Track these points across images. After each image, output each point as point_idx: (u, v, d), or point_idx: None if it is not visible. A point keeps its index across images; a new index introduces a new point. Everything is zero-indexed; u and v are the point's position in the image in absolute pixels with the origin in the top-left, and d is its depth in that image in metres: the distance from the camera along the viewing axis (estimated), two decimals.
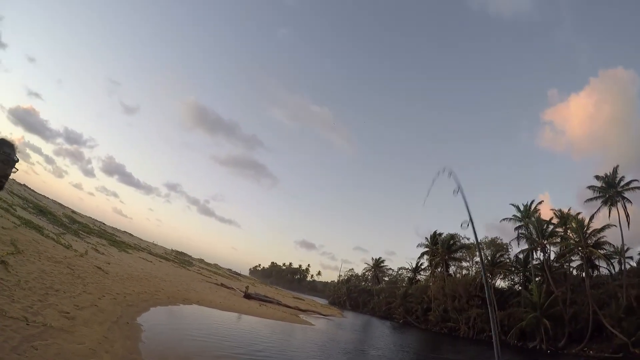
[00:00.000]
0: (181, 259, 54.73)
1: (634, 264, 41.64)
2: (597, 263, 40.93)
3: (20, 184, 35.71)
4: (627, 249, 39.96)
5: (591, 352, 34.36)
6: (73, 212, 44.65)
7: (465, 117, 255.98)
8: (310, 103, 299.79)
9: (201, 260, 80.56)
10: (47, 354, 5.47)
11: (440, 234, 59.74)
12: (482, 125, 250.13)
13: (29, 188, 37.89)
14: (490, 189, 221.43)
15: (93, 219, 55.22)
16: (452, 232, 58.77)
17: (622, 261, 39.66)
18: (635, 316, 32.62)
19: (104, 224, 56.57)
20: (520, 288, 48.38)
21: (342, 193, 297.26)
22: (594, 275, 41.88)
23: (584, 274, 40.58)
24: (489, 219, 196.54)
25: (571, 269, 44.37)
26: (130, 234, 63.14)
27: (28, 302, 7.35)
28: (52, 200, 43.42)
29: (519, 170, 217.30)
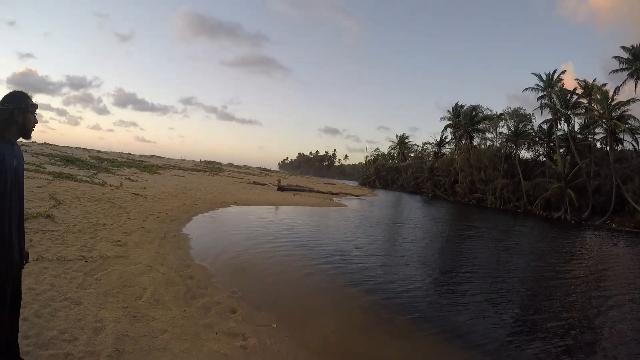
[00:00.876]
0: (211, 167, 55.93)
1: None
2: (621, 137, 39.64)
3: (40, 144, 36.23)
4: None
5: (613, 225, 34.80)
6: (98, 152, 45.49)
7: None
8: None
9: (231, 165, 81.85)
10: (111, 280, 6.13)
11: (462, 106, 58.92)
12: None
13: (50, 144, 38.46)
14: (510, 59, 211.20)
15: (119, 152, 56.28)
16: (473, 103, 57.55)
17: None
18: None
19: (130, 154, 57.59)
20: (544, 159, 48.01)
21: (358, 74, 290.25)
22: (618, 149, 40.98)
23: (607, 147, 39.65)
24: (510, 90, 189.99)
25: (595, 142, 43.23)
26: (158, 157, 64.26)
27: (81, 242, 8.04)
28: (76, 148, 44.14)
29: (540, 41, 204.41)
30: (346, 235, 15.46)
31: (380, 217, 25.63)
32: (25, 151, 23.53)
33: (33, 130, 2.90)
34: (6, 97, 2.80)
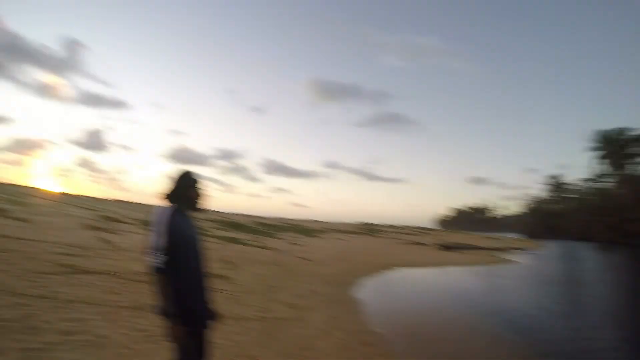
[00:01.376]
0: (369, 229, 56.37)
1: None
2: None
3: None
4: None
5: None
6: (259, 217, 48.84)
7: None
8: (415, 36, 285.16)
9: (389, 225, 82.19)
10: (289, 341, 5.90)
11: (615, 131, 51.34)
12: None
13: (214, 210, 42.40)
14: None
15: (278, 217, 59.83)
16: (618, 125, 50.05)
17: None
18: None
19: (288, 219, 60.86)
20: None
21: (488, 116, 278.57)
22: None
23: None
24: None
25: None
26: (316, 220, 67.14)
27: (256, 303, 8.04)
28: (237, 214, 47.92)
29: None
30: (525, 297, 13.65)
31: (557, 272, 22.75)
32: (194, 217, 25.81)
33: (201, 202, 3.22)
34: (178, 176, 3.16)
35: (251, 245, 18.77)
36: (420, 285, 15.65)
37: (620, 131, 48.96)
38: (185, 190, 3.13)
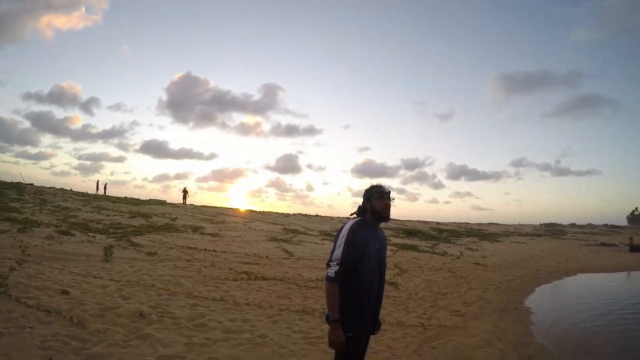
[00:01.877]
0: (552, 230, 52.07)
1: None
2: None
3: None
4: None
5: None
6: (437, 223, 48.19)
7: None
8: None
9: (573, 225, 74.59)
10: (445, 350, 6.09)
11: None
12: None
13: (394, 219, 42.97)
14: None
15: (457, 222, 58.20)
16: None
17: None
18: None
19: (468, 223, 58.81)
20: None
21: None
22: None
23: None
24: None
25: None
26: (496, 224, 63.67)
27: (421, 310, 8.38)
28: (416, 221, 47.83)
29: None
30: None
31: None
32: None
33: (385, 213, 3.26)
34: (365, 190, 3.34)
35: (424, 252, 19.00)
36: (601, 293, 14.16)
37: None
38: (369, 202, 3.25)
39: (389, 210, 3.29)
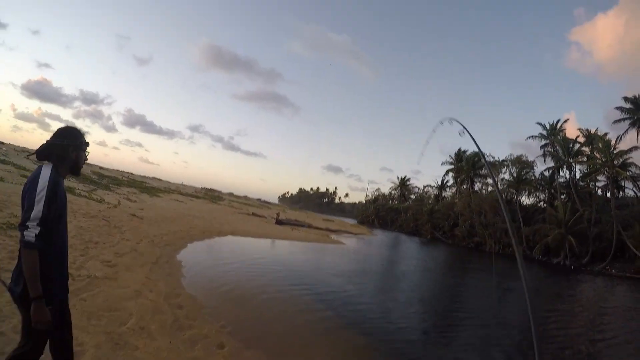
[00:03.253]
0: (211, 195, 55.72)
1: None
2: (622, 184, 40.74)
3: None
4: None
5: (613, 270, 34.79)
6: (101, 168, 45.40)
7: (489, 37, 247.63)
8: (328, 31, 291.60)
9: (231, 194, 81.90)
10: (96, 302, 5.74)
11: (464, 152, 59.30)
12: (506, 45, 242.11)
13: None
14: (516, 109, 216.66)
15: (121, 171, 56.21)
16: (476, 150, 58.05)
17: None
18: None
19: (132, 174, 57.52)
20: (545, 205, 48.62)
21: (366, 116, 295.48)
22: (620, 196, 41.93)
23: (609, 194, 40.43)
24: (514, 137, 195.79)
25: (597, 189, 44.23)
26: (160, 179, 64.46)
27: (70, 258, 7.63)
28: None
29: (544, 91, 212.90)
30: (342, 274, 14.94)
31: (378, 257, 25.12)
32: (28, 157, 23.30)
33: (81, 168, 2.95)
34: (60, 132, 2.79)
35: (81, 196, 17.51)
36: (246, 253, 16.13)
37: (475, 155, 56.49)
38: (65, 150, 2.75)
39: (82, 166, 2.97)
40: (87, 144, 2.92)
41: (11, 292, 2.56)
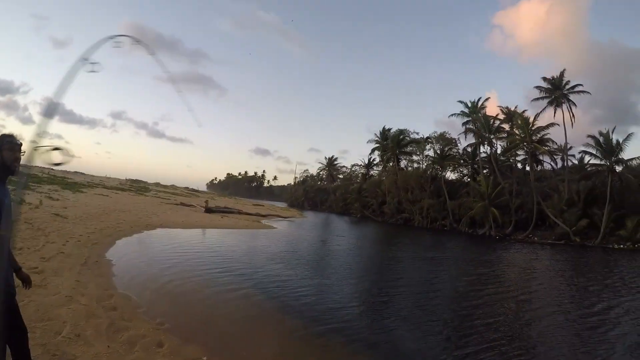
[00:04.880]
0: (137, 187, 53.75)
1: (576, 162, 44.18)
2: (541, 158, 43.90)
3: None
4: (570, 147, 42.49)
5: (535, 238, 37.62)
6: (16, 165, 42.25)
7: (414, 19, 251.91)
8: (257, 9, 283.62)
9: (157, 184, 79.25)
10: (27, 313, 5.45)
11: (389, 130, 60.72)
12: (431, 27, 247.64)
13: None
14: (439, 88, 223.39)
15: (41, 167, 52.65)
16: (402, 127, 59.09)
17: (565, 158, 42.68)
18: (575, 208, 35.87)
19: (52, 169, 54.12)
20: (469, 180, 50.77)
21: (293, 97, 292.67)
22: (538, 169, 45.05)
23: (528, 167, 43.36)
24: (438, 115, 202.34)
25: (517, 163, 46.93)
26: (83, 173, 61.09)
27: None
28: None
29: (467, 71, 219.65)
30: (276, 260, 15.13)
31: (310, 239, 25.50)
32: None
33: (15, 167, 3.06)
34: None
35: None
36: (177, 246, 15.88)
37: (400, 132, 57.79)
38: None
39: (19, 163, 3.08)
40: (11, 143, 3.05)
41: None
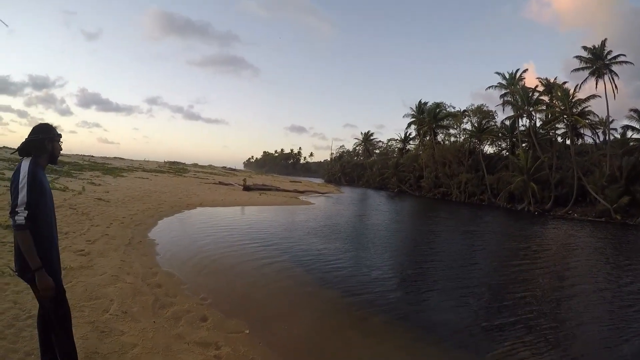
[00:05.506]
0: (175, 168, 54.68)
1: (618, 136, 41.79)
2: (581, 132, 41.62)
3: None
4: (612, 121, 40.40)
5: (575, 215, 35.72)
6: (60, 155, 43.68)
7: None
8: None
9: (195, 165, 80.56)
10: (76, 293, 5.69)
11: (425, 103, 58.99)
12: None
13: (10, 148, 36.43)
14: (475, 60, 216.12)
15: (81, 155, 54.39)
16: (437, 100, 57.76)
17: (607, 132, 40.05)
18: (617, 185, 33.68)
19: (93, 156, 55.82)
20: (507, 153, 49.15)
21: (327, 73, 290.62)
22: (579, 143, 42.90)
23: (568, 141, 41.37)
24: (474, 88, 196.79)
25: (556, 137, 44.70)
26: (122, 158, 62.65)
27: None
28: None
29: (504, 42, 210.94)
30: (314, 235, 15.20)
31: (348, 214, 25.38)
32: None
33: (58, 156, 3.31)
34: (35, 129, 3.15)
35: None
36: (217, 223, 16.06)
37: (437, 105, 56.62)
38: (42, 143, 3.12)
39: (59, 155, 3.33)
40: (60, 135, 3.29)
41: (22, 278, 3.01)
